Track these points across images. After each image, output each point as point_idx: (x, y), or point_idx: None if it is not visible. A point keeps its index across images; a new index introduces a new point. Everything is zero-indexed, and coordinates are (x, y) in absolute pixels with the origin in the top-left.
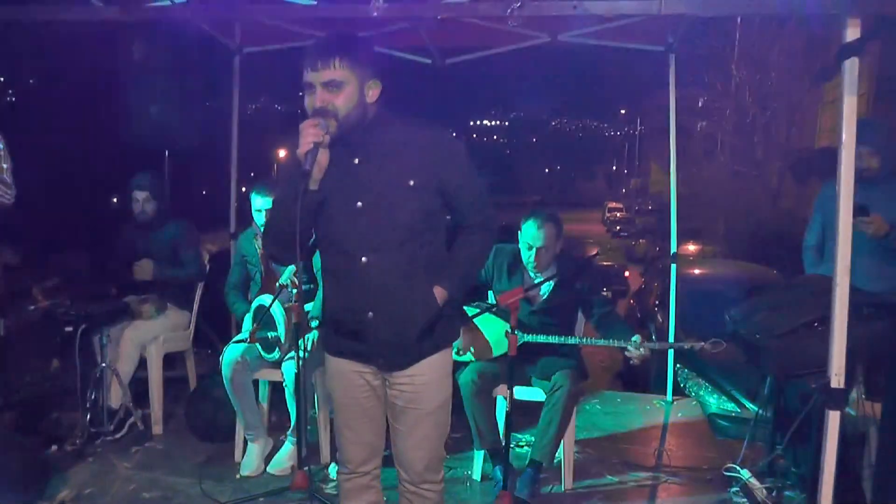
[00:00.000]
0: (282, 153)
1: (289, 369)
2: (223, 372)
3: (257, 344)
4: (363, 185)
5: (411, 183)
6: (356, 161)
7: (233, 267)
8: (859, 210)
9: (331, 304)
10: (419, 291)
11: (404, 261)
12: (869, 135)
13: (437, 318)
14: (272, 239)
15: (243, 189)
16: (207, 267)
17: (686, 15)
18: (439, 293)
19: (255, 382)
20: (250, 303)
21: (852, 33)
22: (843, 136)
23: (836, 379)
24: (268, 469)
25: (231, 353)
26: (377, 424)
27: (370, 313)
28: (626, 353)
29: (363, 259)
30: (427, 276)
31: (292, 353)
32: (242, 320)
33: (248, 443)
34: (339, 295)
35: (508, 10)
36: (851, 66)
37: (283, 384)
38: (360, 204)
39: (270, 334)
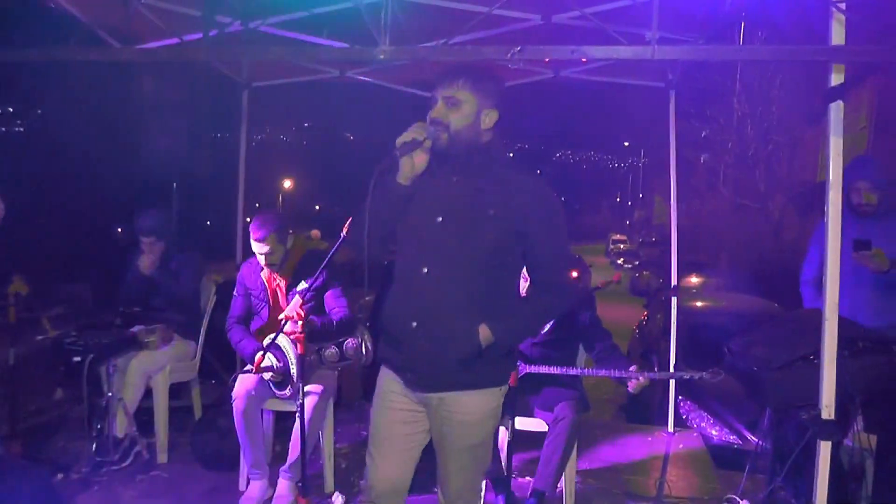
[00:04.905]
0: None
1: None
2: (234, 404)
3: (265, 377)
4: (448, 202)
5: (491, 212)
6: (454, 179)
7: (234, 299)
8: (861, 244)
9: (384, 311)
10: (466, 320)
11: (462, 284)
12: (869, 170)
13: (476, 356)
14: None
15: (248, 220)
16: (213, 299)
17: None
18: (483, 332)
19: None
20: (254, 336)
21: (837, 78)
22: (830, 176)
23: (827, 410)
24: None
25: (242, 386)
26: (407, 459)
27: (414, 323)
28: (627, 383)
29: (424, 269)
30: (481, 310)
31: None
32: (251, 358)
33: (251, 480)
34: (393, 301)
35: (509, 54)
36: (836, 109)
37: (297, 415)
38: (440, 219)
39: (276, 364)
